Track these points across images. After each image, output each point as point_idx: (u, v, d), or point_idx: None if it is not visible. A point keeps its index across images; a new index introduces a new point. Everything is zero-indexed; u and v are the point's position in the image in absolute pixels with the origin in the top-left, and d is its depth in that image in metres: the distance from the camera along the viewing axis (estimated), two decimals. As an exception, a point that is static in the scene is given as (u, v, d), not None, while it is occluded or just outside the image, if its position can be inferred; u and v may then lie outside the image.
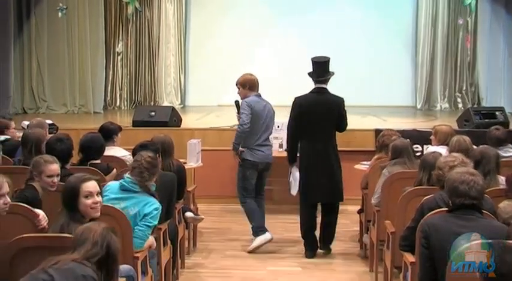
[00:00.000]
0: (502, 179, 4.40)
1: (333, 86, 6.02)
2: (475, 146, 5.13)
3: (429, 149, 5.99)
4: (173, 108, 8.75)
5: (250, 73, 6.23)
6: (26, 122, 6.84)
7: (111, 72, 11.90)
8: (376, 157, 5.91)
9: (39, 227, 3.65)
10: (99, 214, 3.55)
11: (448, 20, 11.73)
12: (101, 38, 11.50)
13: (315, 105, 5.81)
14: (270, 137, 6.36)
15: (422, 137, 7.34)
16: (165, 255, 4.77)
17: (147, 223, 4.18)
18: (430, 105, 11.87)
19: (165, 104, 11.60)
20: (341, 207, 6.11)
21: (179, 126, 8.40)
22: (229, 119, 7.95)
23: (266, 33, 12.13)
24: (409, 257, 3.80)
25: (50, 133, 6.04)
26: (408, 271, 3.84)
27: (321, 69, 5.88)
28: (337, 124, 5.93)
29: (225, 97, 10.10)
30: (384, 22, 12.07)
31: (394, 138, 5.63)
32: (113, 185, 4.39)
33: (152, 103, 11.76)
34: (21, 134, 5.61)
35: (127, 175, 4.38)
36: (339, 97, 5.94)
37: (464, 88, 11.80)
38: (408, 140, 5.52)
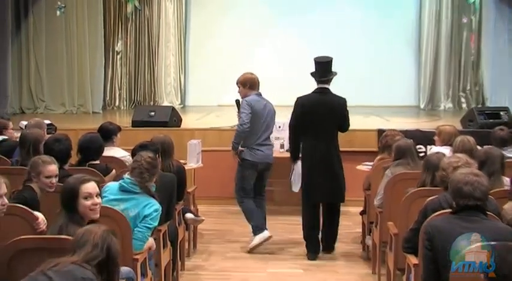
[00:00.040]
0: (506, 180, 4.38)
1: (335, 86, 6.00)
2: (479, 147, 5.12)
3: (433, 149, 5.98)
4: (173, 108, 8.73)
5: (251, 72, 6.22)
6: (24, 122, 6.81)
7: (110, 71, 11.87)
8: (378, 157, 5.89)
9: (38, 231, 3.62)
10: (98, 215, 3.52)
11: (452, 19, 11.65)
12: (100, 37, 11.48)
13: (317, 106, 5.80)
14: (271, 137, 6.34)
15: (426, 138, 7.31)
16: (165, 257, 4.75)
17: (146, 225, 4.16)
18: (433, 105, 11.78)
19: (165, 104, 11.58)
20: (343, 208, 6.10)
21: (179, 126, 8.39)
22: (230, 119, 7.92)
23: (266, 33, 12.12)
24: (412, 259, 3.78)
25: (48, 133, 6.03)
26: (411, 273, 3.82)
27: (323, 69, 5.86)
28: (340, 125, 5.93)
29: (225, 97, 10.07)
30: (387, 21, 12.00)
31: (398, 138, 5.61)
32: (112, 186, 4.36)
33: (152, 103, 11.75)
34: (19, 135, 5.59)
35: (126, 175, 4.35)
36: (342, 98, 5.92)
37: (468, 88, 11.74)
38: (411, 140, 5.49)
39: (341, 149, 5.97)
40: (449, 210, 3.46)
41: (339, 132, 5.97)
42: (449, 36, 11.61)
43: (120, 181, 4.32)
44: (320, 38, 11.63)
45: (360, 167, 6.52)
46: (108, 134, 5.73)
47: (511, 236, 3.19)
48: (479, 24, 11.59)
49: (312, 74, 5.92)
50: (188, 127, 8.49)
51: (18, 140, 5.43)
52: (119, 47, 11.88)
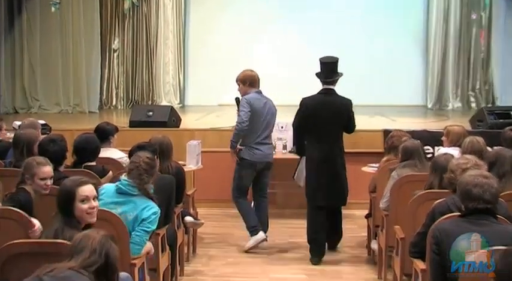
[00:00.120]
0: (517, 182, 4.34)
1: (338, 85, 5.94)
2: (489, 148, 5.15)
3: (440, 150, 5.92)
4: (172, 108, 8.68)
5: (251, 69, 6.22)
6: (18, 123, 6.79)
7: (106, 70, 11.81)
8: (384, 159, 5.84)
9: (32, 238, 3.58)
10: (95, 219, 3.47)
11: (461, 15, 11.47)
12: (96, 34, 11.41)
13: (322, 107, 5.78)
14: (273, 137, 6.27)
15: (433, 138, 7.22)
16: (164, 262, 4.69)
17: (144, 228, 4.09)
18: (441, 104, 11.61)
19: (164, 103, 11.52)
20: (348, 211, 6.11)
21: (178, 126, 8.35)
22: (230, 119, 7.85)
23: (265, 29, 12.06)
24: (420, 264, 3.73)
25: (42, 134, 5.95)
26: (419, 279, 3.78)
27: (328, 70, 5.83)
28: (345, 126, 5.93)
29: (225, 96, 9.96)
30: (393, 17, 11.83)
31: (405, 139, 5.57)
32: (108, 187, 4.27)
33: (150, 102, 11.68)
34: (12, 135, 5.55)
35: (123, 177, 4.26)
36: (347, 99, 5.91)
37: (477, 87, 11.57)
38: (418, 141, 5.44)
39: (346, 150, 5.96)
40: (458, 213, 3.44)
41: (345, 134, 5.94)
42: (457, 32, 11.44)
43: (117, 183, 4.24)
44: (320, 35, 11.56)
45: (365, 168, 6.49)
46: (104, 134, 5.67)
47: None
48: (489, 20, 11.42)
49: (317, 74, 5.89)
50: (187, 127, 8.45)
51: (11, 140, 5.38)
52: (115, 44, 11.82)
